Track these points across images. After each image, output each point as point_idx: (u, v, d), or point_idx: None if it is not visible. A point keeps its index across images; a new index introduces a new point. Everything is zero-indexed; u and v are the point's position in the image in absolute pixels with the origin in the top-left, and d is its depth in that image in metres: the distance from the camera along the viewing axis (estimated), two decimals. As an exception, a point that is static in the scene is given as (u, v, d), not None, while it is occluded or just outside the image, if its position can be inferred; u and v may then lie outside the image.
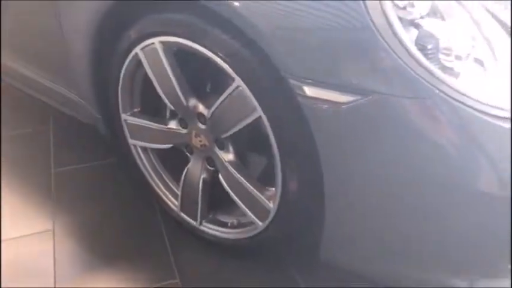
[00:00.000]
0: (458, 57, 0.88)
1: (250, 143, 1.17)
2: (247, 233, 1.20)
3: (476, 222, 0.89)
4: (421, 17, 0.89)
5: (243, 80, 0.98)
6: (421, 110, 0.84)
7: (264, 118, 0.99)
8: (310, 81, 0.88)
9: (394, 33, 0.82)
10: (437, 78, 0.83)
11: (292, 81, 0.89)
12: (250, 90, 0.98)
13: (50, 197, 1.50)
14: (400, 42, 0.82)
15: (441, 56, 0.87)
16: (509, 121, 0.84)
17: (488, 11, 0.94)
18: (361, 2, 0.82)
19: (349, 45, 0.85)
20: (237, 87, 0.99)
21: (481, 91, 0.86)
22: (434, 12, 0.92)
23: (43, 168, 1.62)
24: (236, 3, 0.90)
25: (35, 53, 1.50)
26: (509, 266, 0.92)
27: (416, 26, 0.88)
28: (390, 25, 0.82)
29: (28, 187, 1.55)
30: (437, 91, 0.82)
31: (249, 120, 1.02)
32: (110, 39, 1.19)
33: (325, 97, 0.88)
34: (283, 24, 0.88)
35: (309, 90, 0.89)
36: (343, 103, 0.86)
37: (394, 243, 1.00)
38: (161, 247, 1.33)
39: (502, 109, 0.84)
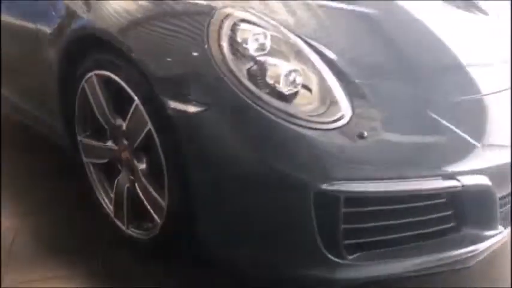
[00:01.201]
0: (288, 84, 1.14)
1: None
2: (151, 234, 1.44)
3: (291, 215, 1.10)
4: (264, 54, 1.18)
5: (138, 99, 1.29)
6: (243, 120, 1.10)
7: (152, 129, 1.28)
8: (171, 95, 1.18)
9: (226, 63, 1.11)
10: (257, 97, 1.09)
11: (161, 97, 1.20)
12: (143, 107, 1.29)
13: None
14: (229, 69, 1.11)
15: (271, 82, 1.14)
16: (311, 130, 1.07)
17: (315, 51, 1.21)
18: (205, 38, 1.13)
19: (195, 68, 1.15)
20: (136, 105, 1.31)
21: (299, 108, 1.11)
22: (278, 52, 1.20)
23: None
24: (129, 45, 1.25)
25: (28, 89, 1.93)
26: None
27: (254, 59, 1.16)
28: (223, 56, 1.12)
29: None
30: (255, 106, 1.08)
31: (145, 131, 1.31)
32: (69, 76, 1.57)
33: (181, 108, 1.16)
34: (153, 53, 1.20)
35: (172, 104, 1.18)
36: (193, 112, 1.15)
37: (250, 232, 1.20)
38: (96, 249, 1.59)
39: (310, 121, 1.09)
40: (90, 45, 1.44)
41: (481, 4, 1.98)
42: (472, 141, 1.20)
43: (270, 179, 1.09)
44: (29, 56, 1.76)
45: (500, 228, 1.31)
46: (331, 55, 1.26)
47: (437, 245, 1.24)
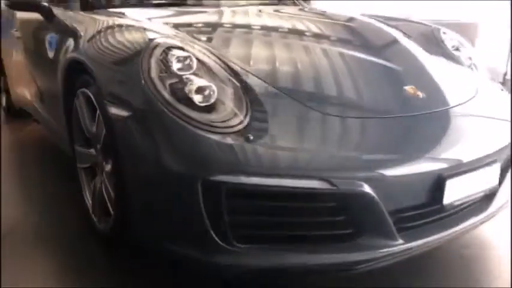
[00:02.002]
0: (202, 97, 1.39)
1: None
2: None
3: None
4: (190, 73, 1.44)
5: (98, 108, 1.61)
6: (157, 124, 1.35)
7: (106, 134, 1.58)
8: (112, 102, 1.48)
9: (150, 77, 1.39)
10: (171, 105, 1.34)
11: (107, 105, 1.50)
12: (100, 114, 1.60)
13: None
14: (152, 82, 1.38)
15: (189, 95, 1.39)
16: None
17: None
18: (140, 60, 1.43)
19: (129, 81, 1.44)
20: (98, 114, 1.62)
21: (206, 116, 1.34)
22: (203, 72, 1.46)
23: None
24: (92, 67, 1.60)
25: (46, 98, 2.37)
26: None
27: (178, 76, 1.42)
28: (149, 72, 1.40)
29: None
30: (168, 113, 1.33)
31: (102, 135, 1.61)
32: (69, 94, 1.95)
33: (117, 113, 1.45)
34: (104, 69, 1.52)
35: (112, 109, 1.48)
36: (124, 117, 1.43)
37: (161, 219, 1.42)
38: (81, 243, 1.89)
39: (211, 126, 1.31)
40: (78, 69, 1.82)
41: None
42: (353, 152, 1.35)
43: (173, 173, 1.31)
44: (51, 79, 2.18)
45: (400, 241, 1.39)
46: (249, 78, 1.50)
47: (335, 248, 1.36)
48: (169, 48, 1.47)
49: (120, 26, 1.75)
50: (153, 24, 1.81)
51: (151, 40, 1.50)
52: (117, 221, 1.64)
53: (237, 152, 1.28)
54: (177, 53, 1.45)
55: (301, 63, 1.69)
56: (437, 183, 1.40)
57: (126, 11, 2.10)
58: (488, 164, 1.51)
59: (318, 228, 1.36)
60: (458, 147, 1.48)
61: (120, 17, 1.93)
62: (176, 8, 2.40)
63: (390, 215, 1.37)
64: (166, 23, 1.85)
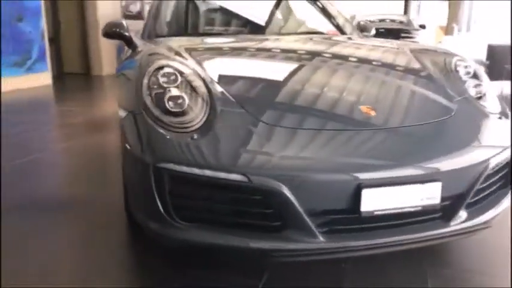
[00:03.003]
0: (175, 105, 1.77)
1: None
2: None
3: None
4: (174, 86, 1.83)
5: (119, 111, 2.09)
6: (138, 123, 1.75)
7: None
8: (119, 106, 1.94)
9: (141, 86, 1.81)
10: (149, 109, 1.74)
11: (118, 107, 1.96)
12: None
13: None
14: (141, 90, 1.80)
15: (166, 103, 1.77)
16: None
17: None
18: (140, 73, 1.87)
19: (132, 89, 1.88)
20: (120, 116, 2.11)
21: (173, 119, 1.71)
22: (184, 86, 1.84)
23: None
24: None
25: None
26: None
27: (162, 87, 1.82)
28: (142, 82, 1.82)
29: None
30: (145, 115, 1.73)
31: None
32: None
33: (121, 114, 1.91)
34: (125, 78, 2.00)
35: (120, 112, 1.93)
36: (124, 116, 1.87)
37: (134, 195, 1.82)
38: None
39: (172, 126, 1.68)
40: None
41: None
42: (276, 156, 1.58)
43: (139, 160, 1.68)
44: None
45: (321, 240, 1.57)
46: (218, 91, 1.83)
47: (263, 236, 1.60)
48: (162, 67, 1.88)
49: (146, 50, 2.23)
50: (165, 49, 2.21)
51: (151, 61, 1.93)
52: (125, 198, 2.10)
53: (181, 147, 1.62)
54: (166, 70, 1.85)
55: (271, 80, 1.98)
56: (355, 191, 1.55)
57: (169, 39, 2.60)
58: (420, 182, 1.59)
59: (250, 217, 1.61)
60: (384, 161, 1.60)
61: (154, 44, 2.42)
62: (215, 38, 2.82)
63: (312, 215, 1.56)
64: (185, 48, 2.26)
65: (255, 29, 3.05)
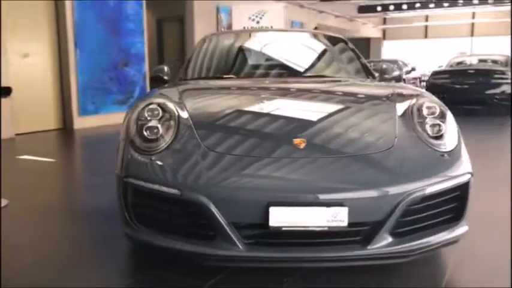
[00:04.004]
0: (152, 133, 2.24)
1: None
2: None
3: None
4: (155, 119, 2.32)
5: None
6: (123, 148, 2.25)
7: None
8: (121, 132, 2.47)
9: (130, 120, 2.32)
10: (131, 138, 2.23)
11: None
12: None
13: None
14: (130, 123, 2.30)
15: (144, 132, 2.25)
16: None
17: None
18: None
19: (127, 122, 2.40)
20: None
21: (146, 144, 2.19)
22: (162, 119, 2.31)
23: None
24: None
25: None
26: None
27: (147, 120, 2.30)
28: (131, 116, 2.33)
29: None
30: (127, 142, 2.23)
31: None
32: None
33: (119, 138, 2.43)
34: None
35: (120, 135, 2.46)
36: (119, 140, 2.39)
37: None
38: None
39: (143, 151, 2.15)
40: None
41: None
42: (206, 175, 1.94)
43: (117, 175, 2.17)
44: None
45: (241, 249, 1.87)
46: (187, 124, 2.24)
47: (199, 242, 1.95)
48: (150, 104, 2.36)
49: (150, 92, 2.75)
50: (166, 90, 2.72)
51: (144, 99, 2.43)
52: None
53: (141, 165, 2.07)
54: (151, 106, 2.32)
55: (229, 112, 2.36)
56: (264, 209, 1.84)
57: (185, 82, 3.12)
58: (326, 205, 1.83)
59: (189, 226, 1.98)
60: (293, 185, 1.88)
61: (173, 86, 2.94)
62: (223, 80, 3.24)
63: (236, 227, 1.88)
64: (184, 89, 2.71)
65: (274, 74, 3.44)
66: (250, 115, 2.37)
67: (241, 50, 3.61)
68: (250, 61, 3.52)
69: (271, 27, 9.18)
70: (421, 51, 22.69)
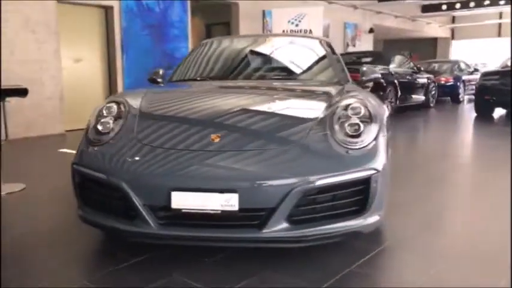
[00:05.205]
0: (102, 128, 2.62)
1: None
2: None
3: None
4: (112, 116, 2.70)
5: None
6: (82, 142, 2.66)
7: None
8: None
9: (94, 116, 2.72)
10: (88, 128, 2.63)
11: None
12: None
13: None
14: (91, 118, 2.71)
15: (98, 126, 2.64)
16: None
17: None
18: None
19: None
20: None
21: (96, 136, 2.57)
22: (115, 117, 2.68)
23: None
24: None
25: None
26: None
27: (104, 117, 2.69)
28: (92, 116, 2.73)
29: None
30: (88, 132, 2.63)
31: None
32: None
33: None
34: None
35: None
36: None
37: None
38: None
39: (91, 141, 2.54)
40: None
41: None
42: (133, 163, 2.26)
43: (71, 163, 2.57)
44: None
45: (154, 228, 2.17)
46: (135, 120, 2.58)
47: (125, 221, 2.28)
48: (110, 102, 2.75)
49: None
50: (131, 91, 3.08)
51: (108, 98, 2.82)
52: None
53: (85, 154, 2.45)
54: (110, 104, 2.70)
55: (170, 111, 2.72)
56: (167, 192, 2.12)
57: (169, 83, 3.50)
58: (219, 191, 2.09)
59: (119, 207, 2.31)
60: (193, 173, 2.14)
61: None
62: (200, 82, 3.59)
63: (151, 209, 2.19)
64: (144, 91, 3.05)
65: (244, 76, 3.66)
66: (188, 113, 2.66)
67: (220, 55, 3.92)
68: (225, 65, 3.81)
69: (310, 30, 9.35)
70: (494, 50, 21.40)
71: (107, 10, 8.40)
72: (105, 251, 2.61)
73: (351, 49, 14.73)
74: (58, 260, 2.47)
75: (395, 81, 9.75)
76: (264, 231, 2.12)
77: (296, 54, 3.89)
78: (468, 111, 11.11)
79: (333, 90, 2.93)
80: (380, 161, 2.31)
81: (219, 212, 2.11)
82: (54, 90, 7.51)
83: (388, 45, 22.73)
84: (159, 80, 3.88)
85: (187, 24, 9.59)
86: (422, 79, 11.25)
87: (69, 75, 7.90)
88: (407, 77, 10.57)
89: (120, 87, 8.51)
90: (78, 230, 2.81)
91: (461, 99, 13.36)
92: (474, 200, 3.74)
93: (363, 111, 2.49)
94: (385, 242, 2.67)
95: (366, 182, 2.24)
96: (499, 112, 10.11)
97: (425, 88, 11.38)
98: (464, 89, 13.51)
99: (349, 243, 2.57)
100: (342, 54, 11.14)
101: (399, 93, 9.86)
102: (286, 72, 3.65)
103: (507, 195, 3.62)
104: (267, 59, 3.80)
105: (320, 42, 3.98)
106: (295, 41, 4.11)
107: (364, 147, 2.32)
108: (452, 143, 6.81)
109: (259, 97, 2.98)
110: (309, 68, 3.68)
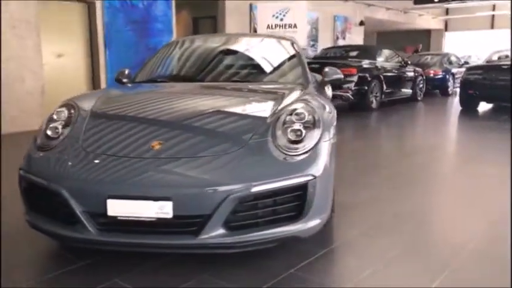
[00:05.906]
0: (53, 131, 2.65)
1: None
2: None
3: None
4: (59, 122, 2.73)
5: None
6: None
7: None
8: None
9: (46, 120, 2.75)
10: (40, 130, 2.67)
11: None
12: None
13: None
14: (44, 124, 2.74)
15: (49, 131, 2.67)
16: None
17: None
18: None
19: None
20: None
21: (48, 141, 2.60)
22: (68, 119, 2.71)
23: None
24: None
25: None
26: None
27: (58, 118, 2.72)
28: (42, 126, 2.75)
29: None
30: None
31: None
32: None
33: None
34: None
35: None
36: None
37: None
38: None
39: (43, 147, 2.57)
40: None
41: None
42: (72, 170, 2.30)
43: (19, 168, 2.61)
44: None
45: (93, 233, 2.21)
46: (83, 125, 2.61)
47: (72, 227, 2.31)
48: (61, 106, 2.77)
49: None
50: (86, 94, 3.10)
51: (63, 102, 2.84)
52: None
53: (30, 159, 2.48)
54: (61, 108, 2.73)
55: (120, 118, 2.74)
56: (103, 200, 2.15)
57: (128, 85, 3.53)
58: (153, 199, 2.12)
59: (62, 212, 2.34)
60: (129, 181, 2.17)
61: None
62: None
63: (91, 215, 2.22)
64: (99, 94, 3.07)
65: (200, 78, 3.66)
66: (135, 118, 2.69)
67: (182, 56, 3.94)
68: (185, 67, 3.83)
69: (295, 24, 9.34)
70: (487, 42, 21.37)
71: (89, 5, 8.38)
72: (54, 254, 2.65)
73: (340, 42, 14.70)
74: (7, 262, 2.51)
75: (381, 75, 9.75)
76: (200, 237, 2.16)
77: (257, 55, 3.90)
78: (455, 105, 11.12)
79: (286, 93, 2.96)
80: (319, 167, 2.34)
81: (154, 219, 2.15)
82: (35, 85, 7.51)
83: (381, 38, 22.67)
84: (125, 80, 3.90)
85: (172, 18, 9.56)
86: (410, 72, 11.25)
87: (52, 70, 7.89)
88: (394, 70, 10.56)
89: (103, 82, 8.51)
90: (31, 233, 2.85)
91: (450, 92, 13.36)
92: (438, 199, 3.79)
93: (306, 116, 2.51)
94: (332, 244, 2.72)
95: (303, 187, 2.27)
96: (485, 106, 10.13)
97: (412, 81, 11.38)
98: (454, 82, 13.50)
99: (295, 246, 2.61)
100: (328, 48, 11.21)
101: (384, 87, 9.86)
102: (244, 75, 3.67)
103: (471, 194, 3.66)
104: (228, 61, 3.81)
105: (279, 42, 4.00)
106: (253, 42, 4.13)
107: (304, 152, 2.35)
108: (431, 138, 6.84)
109: (209, 101, 3.01)
110: (268, 70, 3.70)
